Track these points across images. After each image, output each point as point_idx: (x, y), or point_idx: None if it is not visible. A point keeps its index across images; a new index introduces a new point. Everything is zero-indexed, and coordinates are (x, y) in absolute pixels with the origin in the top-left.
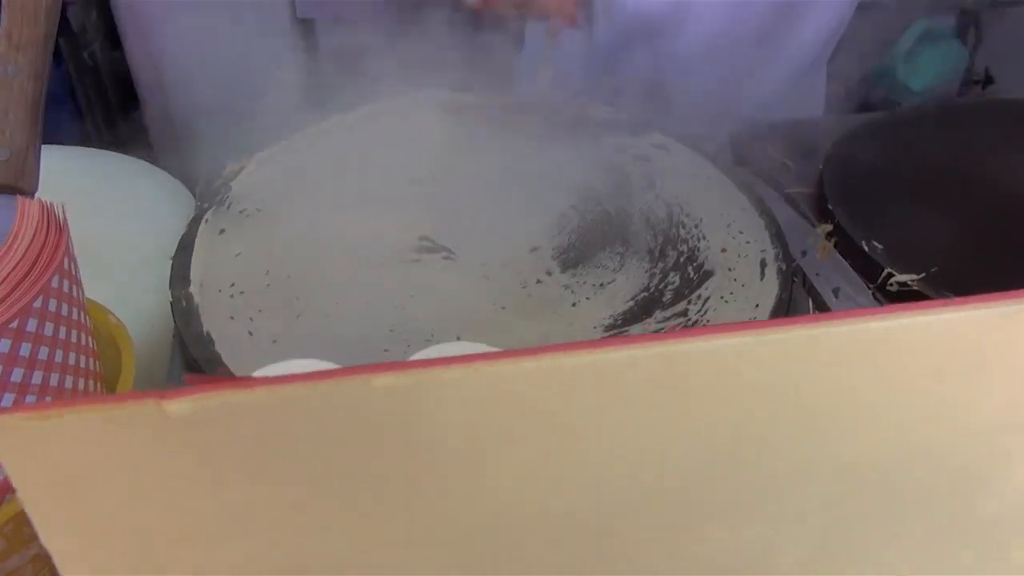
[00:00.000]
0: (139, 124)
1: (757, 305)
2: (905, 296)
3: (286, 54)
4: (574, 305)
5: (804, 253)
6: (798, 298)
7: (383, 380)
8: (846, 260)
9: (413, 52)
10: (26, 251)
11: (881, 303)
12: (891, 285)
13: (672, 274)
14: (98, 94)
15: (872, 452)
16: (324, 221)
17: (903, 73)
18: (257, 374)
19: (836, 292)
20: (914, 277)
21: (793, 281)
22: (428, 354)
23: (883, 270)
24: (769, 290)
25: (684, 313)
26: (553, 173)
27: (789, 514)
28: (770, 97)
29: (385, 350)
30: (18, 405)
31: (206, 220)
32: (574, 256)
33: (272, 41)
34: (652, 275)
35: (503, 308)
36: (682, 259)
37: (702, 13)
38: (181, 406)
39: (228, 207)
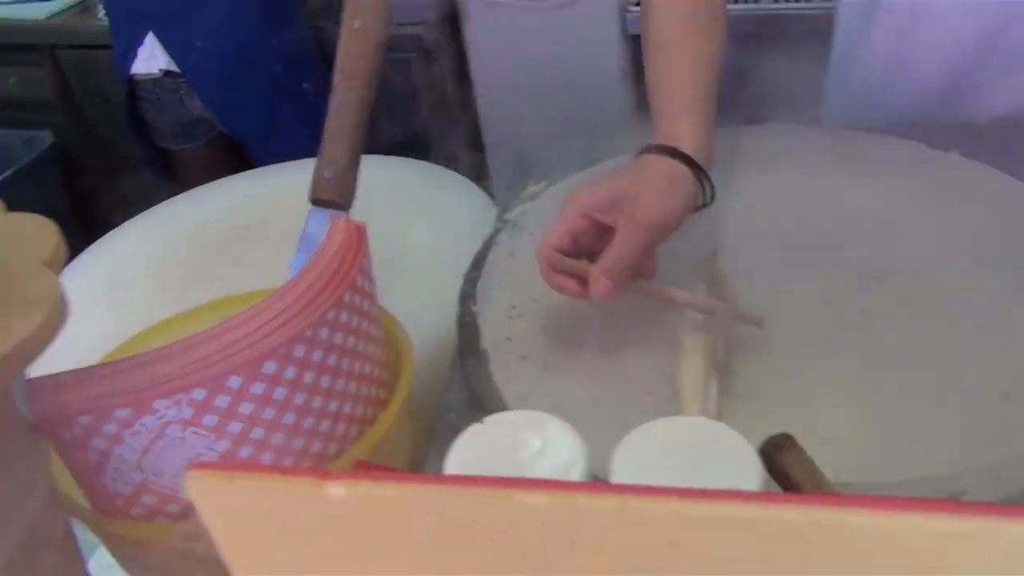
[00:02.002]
0: (470, 137)
1: None
2: None
3: (612, 75)
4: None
5: None
6: None
7: (527, 497)
8: None
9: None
10: (326, 266)
11: None
12: None
13: None
14: (441, 107)
15: None
16: None
17: None
18: (488, 420)
19: None
20: None
21: None
22: (650, 428)
23: None
24: None
25: None
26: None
27: None
28: None
29: (648, 392)
30: (209, 463)
31: (499, 241)
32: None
33: (600, 59)
34: None
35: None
36: None
37: None
38: (340, 489)
39: (521, 230)
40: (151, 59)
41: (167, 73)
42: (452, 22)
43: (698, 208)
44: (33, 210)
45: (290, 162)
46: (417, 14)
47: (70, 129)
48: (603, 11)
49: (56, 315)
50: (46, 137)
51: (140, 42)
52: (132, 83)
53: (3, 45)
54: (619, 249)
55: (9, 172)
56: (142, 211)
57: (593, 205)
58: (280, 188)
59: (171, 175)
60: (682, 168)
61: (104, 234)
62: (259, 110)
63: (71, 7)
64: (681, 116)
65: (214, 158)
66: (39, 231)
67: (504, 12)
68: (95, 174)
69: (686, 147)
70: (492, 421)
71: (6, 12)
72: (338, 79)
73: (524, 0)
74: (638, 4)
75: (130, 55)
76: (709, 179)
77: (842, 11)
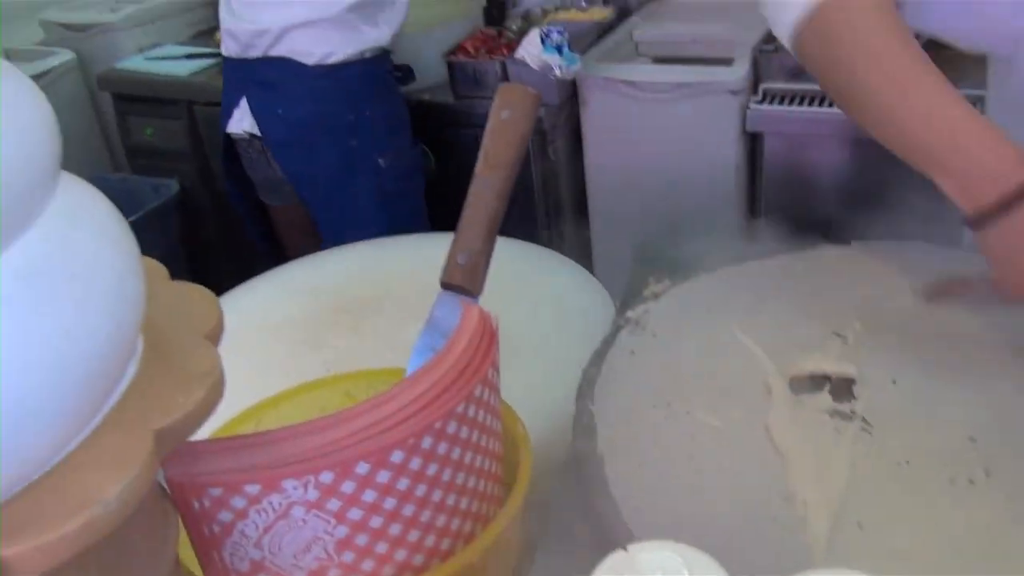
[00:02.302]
0: (582, 226)
1: None
2: None
3: (729, 172)
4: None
5: None
6: None
7: None
8: None
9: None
10: (459, 357)
11: None
12: None
13: None
14: (554, 190)
15: None
16: (732, 368)
17: None
18: (631, 548)
19: None
20: None
21: None
22: None
23: None
24: None
25: None
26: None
27: None
28: None
29: (773, 518)
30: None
31: (620, 339)
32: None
33: (718, 155)
34: None
35: (922, 501)
36: None
37: None
38: None
39: (643, 329)
40: (242, 120)
41: (253, 135)
42: (571, 107)
43: None
44: (152, 255)
45: (416, 235)
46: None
47: (196, 180)
48: (724, 106)
49: (216, 391)
50: (173, 185)
51: (237, 104)
52: (229, 140)
53: (147, 98)
54: None
55: (135, 216)
56: (255, 265)
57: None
58: (403, 262)
59: (268, 228)
60: None
61: (217, 284)
62: (328, 180)
63: (210, 67)
64: (990, 142)
65: (306, 218)
66: (202, 302)
67: (622, 100)
68: (215, 225)
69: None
70: (635, 549)
71: (154, 68)
72: (481, 166)
73: (642, 90)
74: (761, 101)
75: (228, 115)
76: None
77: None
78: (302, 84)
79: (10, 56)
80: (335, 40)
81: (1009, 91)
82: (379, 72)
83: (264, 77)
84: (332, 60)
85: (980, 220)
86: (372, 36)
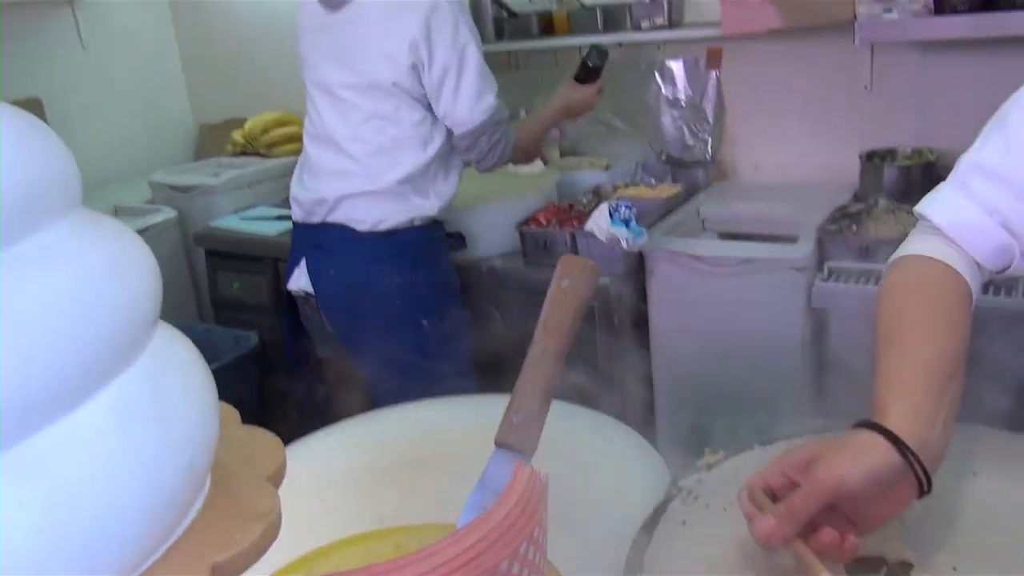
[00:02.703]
0: (645, 393)
1: None
2: None
3: (794, 348)
4: None
5: None
6: None
7: None
8: None
9: None
10: (506, 515)
11: None
12: None
13: None
14: (618, 357)
15: None
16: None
17: None
18: None
19: None
20: None
21: None
22: None
23: None
24: None
25: None
26: None
27: None
28: None
29: None
30: None
31: (672, 508)
32: None
33: (782, 331)
34: None
35: None
36: None
37: None
38: None
39: (696, 499)
40: (299, 279)
41: (308, 293)
42: (638, 275)
43: (919, 496)
44: (228, 401)
45: (475, 396)
46: (606, 266)
47: (275, 333)
48: (788, 282)
49: (272, 531)
50: (252, 338)
51: (298, 264)
52: (290, 296)
53: (237, 255)
54: (793, 499)
55: (215, 365)
56: (324, 417)
57: (789, 464)
58: (462, 422)
59: (322, 380)
60: (879, 441)
61: (287, 432)
62: (374, 340)
63: None
64: (892, 397)
65: (356, 372)
66: (268, 446)
67: (688, 272)
68: (290, 377)
69: (891, 425)
70: None
71: (245, 227)
72: (540, 331)
73: (707, 264)
74: (827, 279)
75: (290, 273)
76: (921, 465)
77: None
78: (354, 248)
79: (119, 212)
80: (386, 209)
81: None
82: (428, 239)
83: (322, 241)
84: (383, 227)
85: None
86: (422, 206)
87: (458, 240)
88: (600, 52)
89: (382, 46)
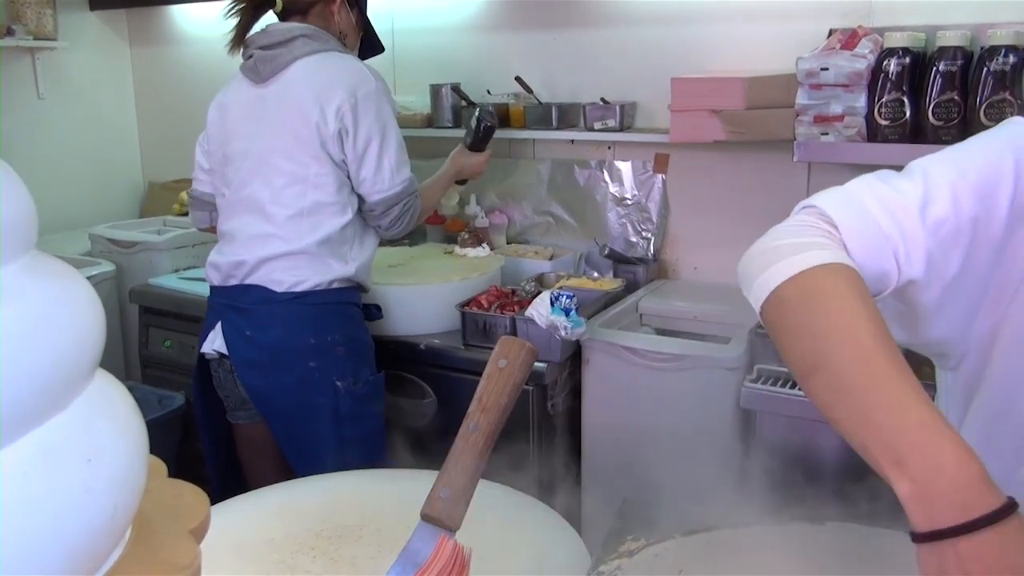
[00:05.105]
0: (573, 479)
1: None
2: None
3: (723, 443)
4: None
5: None
6: None
7: None
8: None
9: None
10: None
11: None
12: None
13: None
14: (548, 441)
15: None
16: None
17: None
18: None
19: None
20: None
21: None
22: None
23: None
24: None
25: None
26: None
27: None
28: None
29: None
30: None
31: None
32: None
33: (711, 427)
34: None
35: None
36: None
37: None
38: None
39: None
40: (214, 341)
41: (223, 355)
42: (574, 366)
43: None
44: None
45: (402, 470)
46: (544, 353)
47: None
48: (720, 380)
49: None
50: (178, 399)
51: (213, 327)
52: (203, 360)
53: (174, 313)
54: None
55: None
56: (240, 483)
57: None
58: (387, 495)
59: (232, 447)
60: None
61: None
62: (286, 399)
63: None
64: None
65: (267, 438)
66: (193, 500)
67: (623, 364)
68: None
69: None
70: None
71: (186, 287)
72: (474, 407)
73: (642, 357)
74: (755, 380)
75: (204, 336)
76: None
77: None
78: (271, 309)
79: None
80: (305, 271)
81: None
82: (344, 302)
83: (239, 302)
84: (300, 288)
85: (931, 536)
86: (340, 270)
87: (375, 310)
88: (492, 114)
89: (311, 113)
